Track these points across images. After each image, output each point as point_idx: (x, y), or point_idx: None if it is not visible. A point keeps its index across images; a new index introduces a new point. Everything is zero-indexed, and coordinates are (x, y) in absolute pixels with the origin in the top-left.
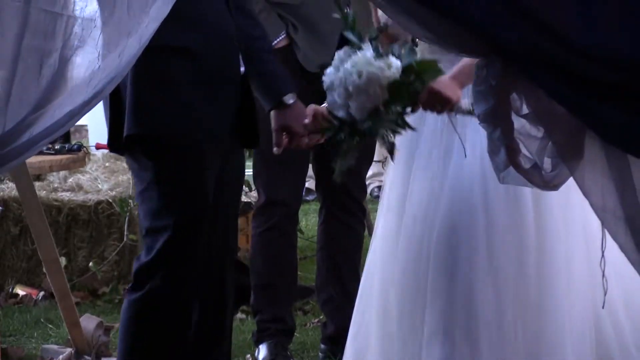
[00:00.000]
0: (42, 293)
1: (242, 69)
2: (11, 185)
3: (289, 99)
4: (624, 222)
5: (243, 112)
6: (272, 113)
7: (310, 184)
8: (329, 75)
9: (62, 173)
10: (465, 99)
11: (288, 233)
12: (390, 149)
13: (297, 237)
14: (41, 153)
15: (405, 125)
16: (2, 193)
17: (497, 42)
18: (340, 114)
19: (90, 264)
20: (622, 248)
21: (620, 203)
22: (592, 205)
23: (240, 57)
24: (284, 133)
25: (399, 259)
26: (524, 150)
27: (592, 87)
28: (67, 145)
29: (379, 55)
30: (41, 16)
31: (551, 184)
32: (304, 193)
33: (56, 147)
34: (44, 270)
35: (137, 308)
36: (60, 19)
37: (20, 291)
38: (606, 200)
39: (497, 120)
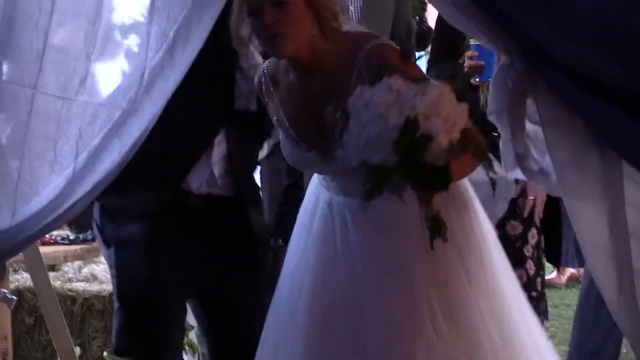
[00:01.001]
0: None
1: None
2: (26, 275)
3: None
4: (612, 257)
5: (243, 236)
6: None
7: None
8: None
9: (77, 263)
10: None
11: None
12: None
13: None
14: (56, 243)
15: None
16: (16, 283)
17: (527, 39)
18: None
19: (105, 353)
20: (599, 281)
21: (610, 241)
22: (578, 234)
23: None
24: None
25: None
26: (533, 153)
27: (622, 100)
28: (81, 236)
29: None
30: (50, 101)
31: (555, 191)
32: None
33: (70, 238)
34: None
35: None
36: (74, 105)
37: None
38: (597, 237)
39: (509, 121)
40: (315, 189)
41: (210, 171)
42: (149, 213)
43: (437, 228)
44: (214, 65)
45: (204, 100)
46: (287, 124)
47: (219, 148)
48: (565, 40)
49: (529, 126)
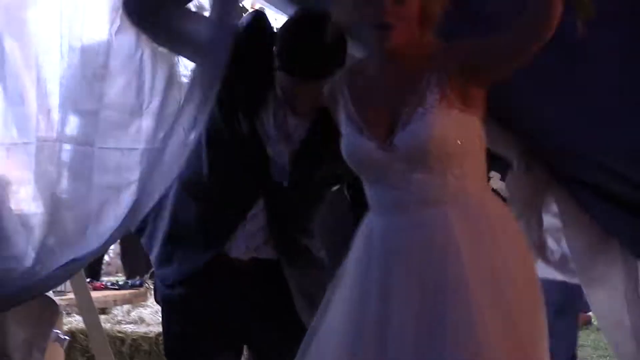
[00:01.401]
0: None
1: None
2: (78, 318)
3: None
4: (630, 333)
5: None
6: None
7: None
8: None
9: (126, 307)
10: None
11: None
12: None
13: None
14: (106, 288)
15: None
16: (69, 325)
17: (548, 151)
18: None
19: None
20: (619, 352)
21: (628, 319)
22: (594, 311)
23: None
24: None
25: None
26: (551, 245)
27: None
28: (130, 281)
29: None
30: (105, 154)
31: (575, 277)
32: None
33: (120, 283)
34: None
35: None
36: (132, 154)
37: None
38: (616, 317)
39: (527, 211)
40: (365, 234)
41: (245, 244)
42: (190, 276)
43: (581, 4)
44: (247, 139)
45: (237, 173)
46: (352, 109)
47: (256, 220)
48: (597, 158)
49: (547, 220)
